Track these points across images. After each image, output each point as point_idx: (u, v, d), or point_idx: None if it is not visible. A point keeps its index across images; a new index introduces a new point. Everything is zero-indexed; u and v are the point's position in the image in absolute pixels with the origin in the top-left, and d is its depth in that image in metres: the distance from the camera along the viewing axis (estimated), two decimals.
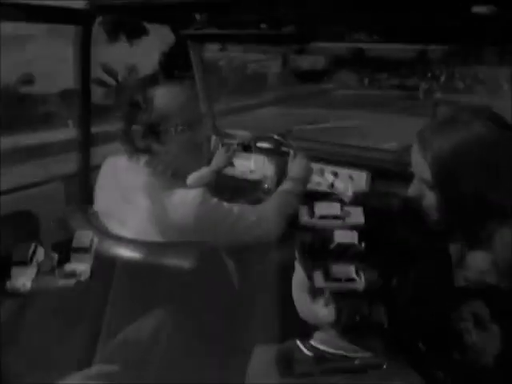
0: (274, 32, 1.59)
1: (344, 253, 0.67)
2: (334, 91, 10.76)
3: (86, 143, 1.56)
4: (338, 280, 0.67)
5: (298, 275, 0.76)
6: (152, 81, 1.31)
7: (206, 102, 2.37)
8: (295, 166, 1.63)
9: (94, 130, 1.61)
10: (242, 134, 2.23)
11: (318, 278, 0.69)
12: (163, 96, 1.28)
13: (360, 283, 0.66)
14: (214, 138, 2.38)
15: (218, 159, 1.94)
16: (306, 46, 2.03)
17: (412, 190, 1.01)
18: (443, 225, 0.97)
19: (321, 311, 0.71)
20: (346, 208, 0.70)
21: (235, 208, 1.32)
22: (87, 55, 1.44)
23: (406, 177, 1.02)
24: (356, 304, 0.68)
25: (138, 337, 1.22)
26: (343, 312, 0.69)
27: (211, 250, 1.23)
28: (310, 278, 0.72)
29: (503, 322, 0.83)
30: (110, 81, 9.75)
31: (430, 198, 0.97)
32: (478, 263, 0.92)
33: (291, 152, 1.76)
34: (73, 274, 1.26)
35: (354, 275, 0.66)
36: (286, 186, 1.54)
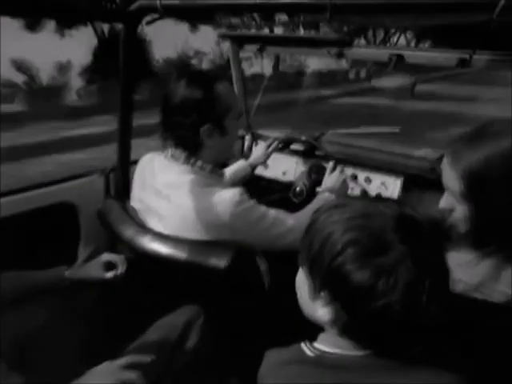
0: (315, 36, 1.58)
1: None
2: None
3: (126, 138, 1.59)
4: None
5: (301, 276, 0.78)
6: (215, 76, 1.31)
7: (243, 100, 2.40)
8: (333, 179, 1.64)
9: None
10: (276, 135, 2.23)
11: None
12: (226, 89, 1.30)
13: None
14: (247, 136, 2.40)
15: (258, 154, 1.96)
16: (346, 50, 2.00)
17: (443, 202, 1.00)
18: (473, 238, 0.96)
19: (319, 310, 0.73)
20: None
21: (271, 213, 1.31)
22: (130, 53, 1.48)
23: (441, 186, 1.01)
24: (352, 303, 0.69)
25: (169, 331, 1.23)
26: (340, 312, 0.70)
27: (245, 251, 1.24)
28: (310, 279, 0.74)
29: None
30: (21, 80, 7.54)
31: (460, 211, 0.96)
32: None
33: (330, 164, 1.77)
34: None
35: None
36: (324, 196, 1.55)
